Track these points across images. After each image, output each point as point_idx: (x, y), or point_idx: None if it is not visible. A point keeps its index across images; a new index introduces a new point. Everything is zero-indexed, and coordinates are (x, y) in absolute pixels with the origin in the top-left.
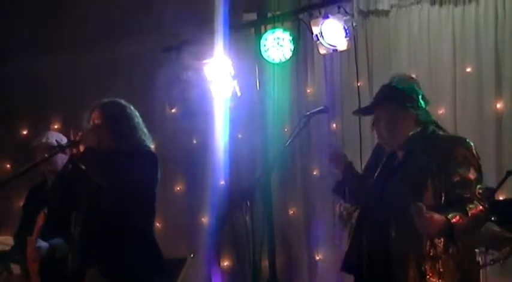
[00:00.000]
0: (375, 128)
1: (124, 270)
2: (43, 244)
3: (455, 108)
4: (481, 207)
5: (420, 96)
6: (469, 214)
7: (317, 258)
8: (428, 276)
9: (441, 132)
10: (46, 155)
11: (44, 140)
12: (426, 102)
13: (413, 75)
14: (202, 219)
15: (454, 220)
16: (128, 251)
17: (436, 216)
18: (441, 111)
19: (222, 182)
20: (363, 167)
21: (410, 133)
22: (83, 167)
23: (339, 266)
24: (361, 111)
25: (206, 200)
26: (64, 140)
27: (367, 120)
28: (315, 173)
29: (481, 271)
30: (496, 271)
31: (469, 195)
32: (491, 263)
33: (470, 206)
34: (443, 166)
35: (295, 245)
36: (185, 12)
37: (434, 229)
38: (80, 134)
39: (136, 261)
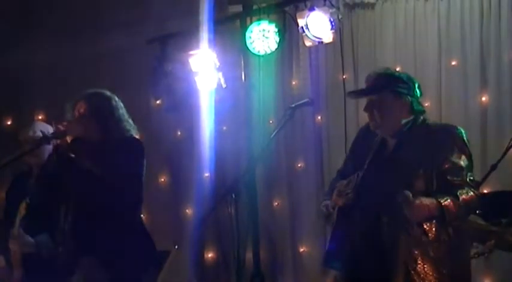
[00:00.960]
0: (368, 112)
1: (118, 256)
2: (29, 240)
3: (440, 101)
4: (472, 193)
5: (417, 85)
6: (460, 199)
7: (301, 250)
8: (419, 262)
9: (431, 121)
10: (30, 147)
11: (30, 134)
12: (420, 93)
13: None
14: (187, 211)
15: (445, 203)
16: (121, 237)
17: (426, 200)
18: (426, 105)
19: (207, 174)
20: (347, 153)
21: (403, 121)
22: (72, 155)
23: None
24: (357, 94)
25: (190, 192)
26: (50, 131)
27: (353, 113)
28: (299, 166)
29: None
30: (481, 264)
31: (460, 181)
32: (476, 256)
33: (462, 191)
34: (435, 154)
35: (279, 238)
36: (170, 4)
37: (424, 214)
38: (65, 123)
39: (129, 247)
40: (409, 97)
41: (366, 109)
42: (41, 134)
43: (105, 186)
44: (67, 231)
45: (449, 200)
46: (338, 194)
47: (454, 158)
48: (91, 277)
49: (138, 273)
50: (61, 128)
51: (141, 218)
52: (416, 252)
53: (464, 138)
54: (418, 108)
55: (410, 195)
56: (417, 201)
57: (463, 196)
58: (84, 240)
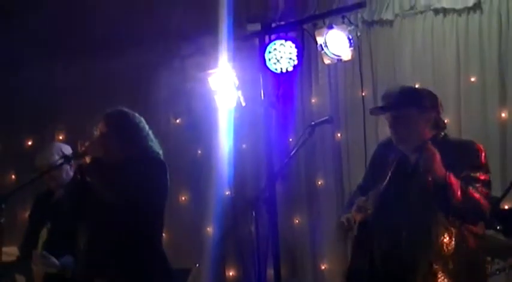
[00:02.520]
0: (393, 127)
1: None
2: (54, 262)
3: (460, 117)
4: (479, 196)
5: (439, 101)
6: (468, 191)
7: (322, 267)
8: (439, 275)
9: (452, 137)
10: (48, 169)
11: (45, 162)
12: (443, 109)
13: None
14: (207, 229)
15: (453, 179)
16: (136, 263)
17: (440, 162)
18: (446, 121)
19: (227, 192)
20: (367, 168)
21: (426, 137)
22: (89, 179)
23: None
24: (382, 110)
25: (211, 210)
26: (69, 151)
27: (372, 130)
28: (319, 183)
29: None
30: (502, 281)
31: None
32: (497, 272)
33: (472, 188)
34: (454, 169)
35: (300, 255)
36: (189, 23)
37: (433, 166)
38: (85, 144)
39: (144, 274)
40: (433, 112)
41: (390, 125)
42: (56, 157)
43: (121, 211)
44: (83, 251)
45: (458, 181)
46: (357, 209)
47: (473, 173)
48: None
49: None
50: (81, 148)
51: (160, 240)
52: (436, 266)
53: (483, 155)
54: (441, 124)
55: (430, 143)
56: (434, 150)
57: (472, 191)
58: (98, 261)
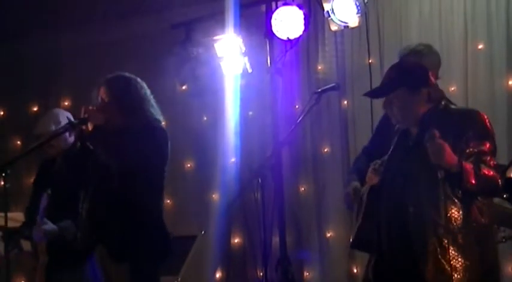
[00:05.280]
0: (387, 109)
1: (130, 249)
2: (51, 227)
3: (466, 85)
4: (493, 172)
5: (429, 72)
6: (481, 172)
7: (328, 235)
8: (449, 249)
9: (453, 106)
10: (49, 137)
11: (43, 130)
12: (436, 76)
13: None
14: (213, 196)
15: (466, 165)
16: (135, 230)
17: (450, 150)
18: (452, 89)
19: (233, 160)
20: (374, 131)
21: (423, 111)
22: (91, 146)
23: (349, 243)
24: (372, 95)
25: (217, 177)
26: (65, 119)
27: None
28: (325, 150)
29: None
30: (508, 248)
31: (482, 162)
32: (503, 240)
33: (483, 166)
34: (457, 140)
35: (305, 222)
36: None
37: (444, 158)
38: (89, 109)
39: (142, 240)
40: (424, 88)
41: (384, 107)
42: (53, 127)
43: (122, 178)
44: (84, 217)
45: (471, 165)
46: (373, 172)
47: (478, 144)
48: (107, 265)
49: (152, 263)
50: (84, 115)
51: (160, 207)
52: (445, 241)
53: (487, 123)
54: (435, 96)
55: (437, 133)
56: (442, 142)
57: (484, 170)
58: (99, 228)
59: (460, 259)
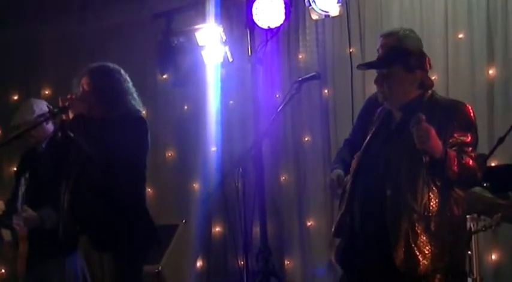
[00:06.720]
0: (378, 84)
1: (113, 239)
2: (32, 214)
3: (447, 74)
4: (473, 163)
5: (427, 59)
6: (463, 161)
7: (308, 224)
8: (421, 235)
9: (439, 96)
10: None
11: (21, 121)
12: (430, 67)
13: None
14: (194, 185)
15: (450, 152)
16: (119, 220)
17: (436, 135)
18: (433, 78)
19: (214, 149)
20: (354, 122)
21: (411, 95)
22: (72, 135)
23: (330, 232)
24: (367, 67)
25: (198, 166)
26: (44, 107)
27: (359, 87)
28: (306, 139)
29: (473, 237)
30: (488, 237)
31: (464, 152)
32: (483, 229)
33: (465, 156)
34: (441, 129)
35: (286, 212)
36: None
37: (429, 143)
38: (69, 97)
39: (127, 230)
40: (419, 71)
41: (376, 81)
42: (32, 116)
43: (103, 168)
44: (66, 208)
45: (454, 153)
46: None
47: (461, 134)
48: (90, 256)
49: (136, 253)
50: (64, 104)
51: (142, 196)
52: (418, 226)
53: (471, 115)
54: (427, 83)
55: (423, 117)
56: (428, 126)
57: (466, 160)
58: (80, 218)
59: (429, 246)
